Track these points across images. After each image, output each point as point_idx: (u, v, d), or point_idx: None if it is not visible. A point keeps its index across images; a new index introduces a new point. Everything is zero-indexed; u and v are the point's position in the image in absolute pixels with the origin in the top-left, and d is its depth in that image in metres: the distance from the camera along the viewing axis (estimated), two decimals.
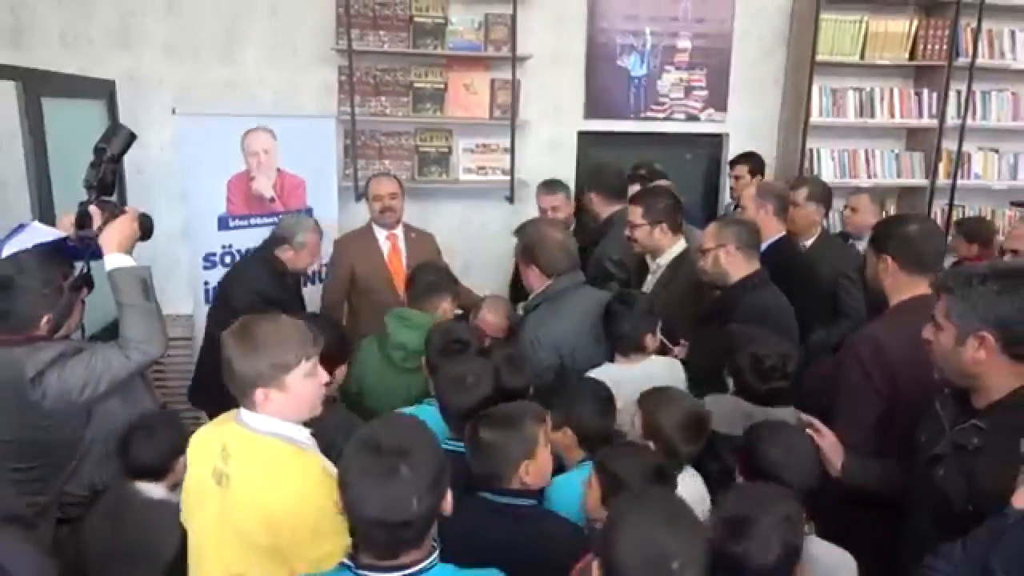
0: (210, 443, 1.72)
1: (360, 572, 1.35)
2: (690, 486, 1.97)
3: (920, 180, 5.00)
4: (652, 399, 2.07)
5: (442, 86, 4.49)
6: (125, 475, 2.06)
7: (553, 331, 2.60)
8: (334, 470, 1.50)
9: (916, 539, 1.76)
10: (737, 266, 2.63)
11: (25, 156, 3.03)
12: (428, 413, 2.12)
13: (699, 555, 1.27)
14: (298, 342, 1.66)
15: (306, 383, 1.68)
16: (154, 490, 2.04)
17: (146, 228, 2.22)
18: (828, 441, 1.97)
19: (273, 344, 1.63)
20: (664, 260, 3.01)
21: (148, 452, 2.04)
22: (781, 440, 1.83)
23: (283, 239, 3.38)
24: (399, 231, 3.77)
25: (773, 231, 3.17)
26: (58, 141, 3.17)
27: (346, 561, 1.38)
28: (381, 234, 3.73)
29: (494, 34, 4.44)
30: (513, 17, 4.36)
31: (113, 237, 2.09)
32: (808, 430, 1.99)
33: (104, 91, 3.95)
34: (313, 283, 4.06)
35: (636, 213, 3.00)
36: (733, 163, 4.42)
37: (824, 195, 3.57)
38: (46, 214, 3.10)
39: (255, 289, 3.24)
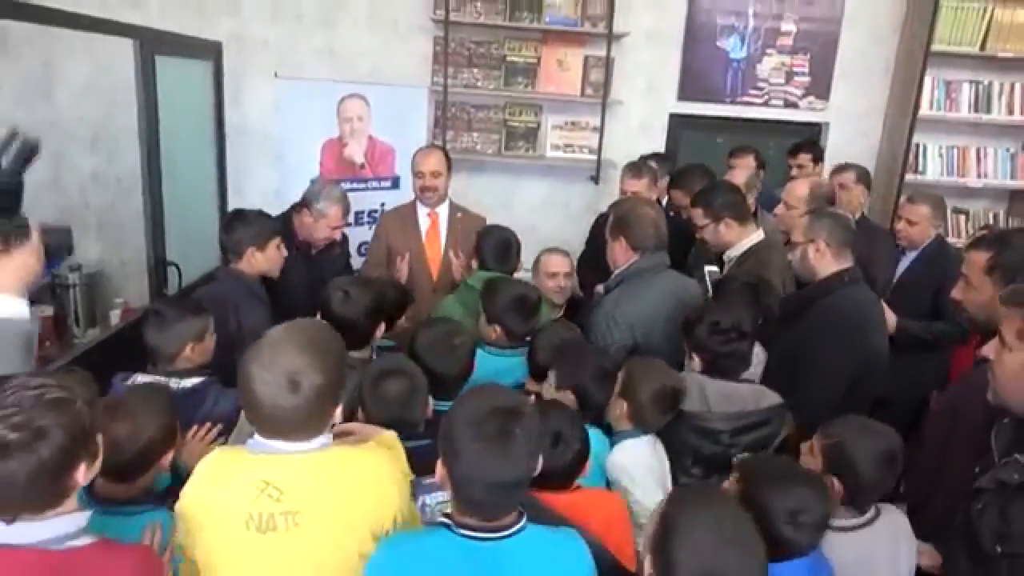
0: (230, 488, 1.44)
1: (461, 532, 1.38)
2: (657, 454, 2.13)
3: None
4: (638, 365, 2.17)
5: (535, 61, 4.46)
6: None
7: (631, 310, 2.57)
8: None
9: None
10: (825, 263, 2.48)
11: (137, 110, 3.18)
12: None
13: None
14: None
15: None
16: None
17: (57, 246, 1.85)
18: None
19: (338, 350, 1.52)
20: (734, 253, 2.93)
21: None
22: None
23: (304, 203, 3.20)
24: (442, 209, 3.44)
25: None
26: (167, 98, 3.32)
27: (445, 520, 1.41)
28: (423, 211, 3.43)
29: (592, 9, 4.37)
30: None
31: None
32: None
33: (212, 52, 4.11)
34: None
35: (697, 214, 2.96)
36: (795, 151, 4.17)
37: (867, 178, 3.72)
38: (153, 165, 3.27)
39: None
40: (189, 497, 1.47)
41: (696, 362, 2.27)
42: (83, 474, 1.28)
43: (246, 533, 1.40)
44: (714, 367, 2.22)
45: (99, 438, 1.33)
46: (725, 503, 1.42)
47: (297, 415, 1.40)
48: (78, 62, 4.27)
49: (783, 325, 2.59)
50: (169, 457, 1.75)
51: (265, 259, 2.71)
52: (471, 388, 1.66)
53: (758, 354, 2.63)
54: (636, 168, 3.66)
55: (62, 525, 1.25)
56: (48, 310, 4.14)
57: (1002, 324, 1.56)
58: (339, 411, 1.51)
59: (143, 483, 1.69)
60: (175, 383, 2.01)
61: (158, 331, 2.12)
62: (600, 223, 3.89)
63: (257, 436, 1.45)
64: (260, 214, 2.83)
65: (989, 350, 1.59)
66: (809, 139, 4.35)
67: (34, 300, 2.23)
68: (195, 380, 2.05)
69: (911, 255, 3.41)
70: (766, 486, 1.60)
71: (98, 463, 1.34)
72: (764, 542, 1.33)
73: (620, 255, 2.69)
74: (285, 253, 2.82)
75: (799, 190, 3.25)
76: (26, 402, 1.20)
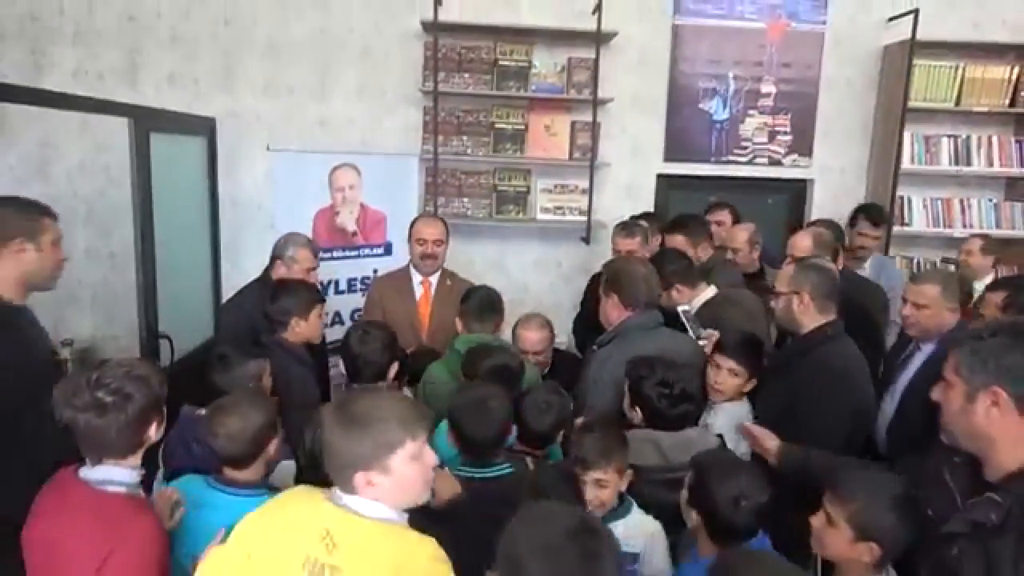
0: (298, 527, 1.51)
1: None
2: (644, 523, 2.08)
3: (1022, 232, 4.74)
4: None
5: (523, 127, 4.56)
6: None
7: (619, 370, 2.53)
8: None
9: None
10: (809, 315, 2.44)
11: (132, 186, 3.23)
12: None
13: None
14: (402, 420, 1.52)
15: (412, 467, 1.52)
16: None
17: None
18: (759, 431, 2.22)
19: (376, 421, 1.50)
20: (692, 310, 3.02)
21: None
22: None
23: (275, 256, 3.32)
24: (435, 278, 3.52)
25: None
26: (162, 173, 3.38)
27: None
28: (417, 277, 3.51)
29: (576, 77, 4.50)
30: (596, 61, 4.41)
31: None
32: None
33: (205, 128, 4.20)
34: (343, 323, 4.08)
35: None
36: (873, 220, 4.12)
37: (838, 232, 3.77)
38: (147, 238, 3.30)
39: (244, 310, 3.16)
40: (252, 522, 1.56)
41: (637, 414, 2.31)
42: (154, 431, 1.77)
43: (300, 572, 1.45)
44: (657, 423, 2.26)
45: (164, 409, 1.80)
46: (771, 561, 1.51)
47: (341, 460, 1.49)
48: (74, 140, 4.35)
49: (770, 381, 2.57)
50: (275, 444, 2.02)
51: (308, 327, 2.85)
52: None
53: (742, 406, 2.62)
54: (628, 228, 3.69)
55: (120, 474, 1.71)
56: None
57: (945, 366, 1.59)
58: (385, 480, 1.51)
59: (257, 469, 2.00)
60: None
61: (224, 373, 2.35)
62: (593, 283, 3.92)
63: (335, 489, 1.54)
64: (303, 283, 3.00)
65: (937, 392, 1.59)
66: (881, 210, 4.30)
67: None
68: None
69: (927, 349, 2.73)
70: (713, 477, 1.81)
71: (163, 426, 1.80)
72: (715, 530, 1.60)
73: (612, 312, 2.71)
74: (326, 320, 2.97)
75: (802, 242, 3.26)
76: (119, 376, 1.69)
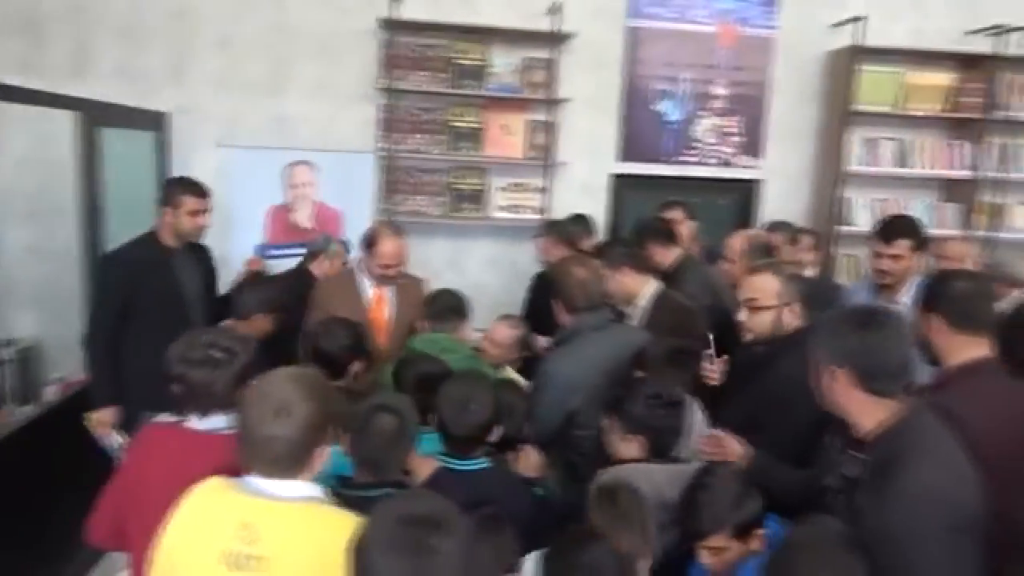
0: (211, 523, 1.49)
1: None
2: None
3: (957, 232, 4.93)
4: None
5: (479, 126, 4.59)
6: None
7: (563, 372, 2.51)
8: None
9: None
10: (797, 324, 2.37)
11: (76, 181, 3.16)
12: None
13: None
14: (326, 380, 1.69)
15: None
16: None
17: None
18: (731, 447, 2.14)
19: (321, 389, 1.58)
20: (643, 301, 3.00)
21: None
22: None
23: (317, 252, 3.49)
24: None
25: None
26: (110, 168, 3.31)
27: None
28: (366, 283, 3.29)
29: (532, 77, 4.54)
30: (551, 61, 4.45)
31: None
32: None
33: (157, 123, 4.13)
34: None
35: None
36: (885, 234, 3.16)
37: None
38: (91, 237, 3.23)
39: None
40: (172, 534, 1.51)
41: (633, 446, 2.13)
42: None
43: (217, 568, 1.44)
44: (655, 448, 2.12)
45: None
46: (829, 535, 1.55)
47: (286, 445, 1.48)
48: (16, 133, 4.21)
49: (737, 384, 2.50)
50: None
51: (264, 323, 2.95)
52: (388, 496, 1.49)
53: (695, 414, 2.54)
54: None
55: (227, 420, 1.81)
56: None
57: None
58: (325, 453, 1.56)
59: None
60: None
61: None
62: (534, 284, 3.98)
63: (247, 478, 1.51)
64: (269, 279, 3.24)
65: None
66: (902, 222, 3.28)
67: None
68: None
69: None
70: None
71: None
72: None
73: (561, 315, 2.68)
74: None
75: (737, 244, 3.32)
76: (227, 337, 1.92)
